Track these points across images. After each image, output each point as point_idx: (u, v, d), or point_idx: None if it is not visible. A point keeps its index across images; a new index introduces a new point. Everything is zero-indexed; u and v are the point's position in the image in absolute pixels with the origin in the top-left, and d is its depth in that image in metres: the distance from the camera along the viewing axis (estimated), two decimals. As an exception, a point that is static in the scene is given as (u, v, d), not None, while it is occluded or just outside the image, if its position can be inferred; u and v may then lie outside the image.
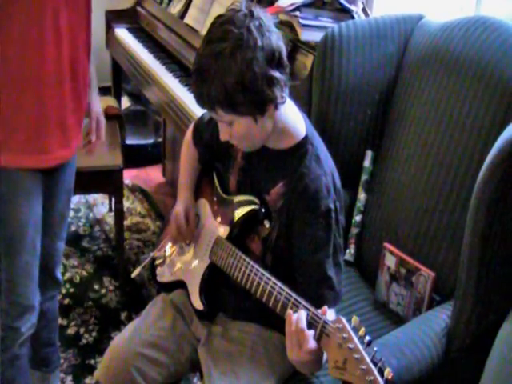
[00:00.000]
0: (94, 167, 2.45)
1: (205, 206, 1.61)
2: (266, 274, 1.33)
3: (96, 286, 2.70)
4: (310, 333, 1.18)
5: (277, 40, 1.28)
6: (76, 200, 3.28)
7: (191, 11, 2.78)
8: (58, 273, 1.94)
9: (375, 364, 1.07)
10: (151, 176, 3.72)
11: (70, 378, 2.22)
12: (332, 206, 1.36)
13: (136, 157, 3.64)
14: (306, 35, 2.05)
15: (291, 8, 2.11)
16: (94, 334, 2.43)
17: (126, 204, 3.27)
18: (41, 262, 1.76)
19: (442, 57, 1.68)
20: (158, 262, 1.72)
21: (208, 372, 1.47)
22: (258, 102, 1.27)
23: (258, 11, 1.29)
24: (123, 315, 2.54)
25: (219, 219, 1.53)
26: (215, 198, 1.58)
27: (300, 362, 1.21)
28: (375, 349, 1.09)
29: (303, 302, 1.24)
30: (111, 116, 2.83)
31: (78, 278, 2.74)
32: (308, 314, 1.20)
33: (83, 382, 2.22)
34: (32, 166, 1.60)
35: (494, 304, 1.39)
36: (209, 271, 1.51)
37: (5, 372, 1.79)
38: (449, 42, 1.67)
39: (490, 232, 1.31)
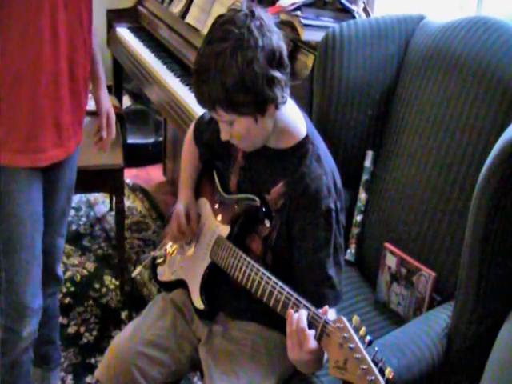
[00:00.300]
0: (94, 166, 2.45)
1: (205, 205, 1.61)
2: (267, 273, 1.33)
3: (96, 285, 2.70)
4: (311, 332, 1.18)
5: (277, 40, 1.28)
6: (77, 199, 3.28)
7: (192, 10, 2.79)
8: (59, 270, 1.94)
9: (376, 364, 1.07)
10: (152, 175, 3.72)
11: (70, 376, 2.22)
12: (333, 205, 1.36)
13: (137, 156, 3.64)
14: (306, 35, 2.06)
15: (292, 8, 2.11)
16: (94, 333, 2.43)
17: (127, 203, 3.28)
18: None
19: (443, 57, 1.68)
20: (158, 261, 1.73)
21: (208, 371, 1.47)
22: (259, 102, 1.27)
23: (259, 11, 1.29)
24: (124, 314, 2.54)
25: (220, 218, 1.53)
26: (216, 198, 1.58)
27: (300, 361, 1.21)
28: (376, 349, 1.09)
29: (304, 301, 1.24)
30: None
31: (78, 276, 2.75)
32: (308, 314, 1.20)
33: (84, 380, 2.22)
34: (26, 165, 1.60)
35: (495, 304, 1.39)
36: (209, 271, 1.51)
37: (4, 376, 1.80)
38: (450, 43, 1.67)
39: (491, 232, 1.31)
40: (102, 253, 2.93)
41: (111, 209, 3.22)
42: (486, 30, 1.62)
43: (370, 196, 1.87)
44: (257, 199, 1.43)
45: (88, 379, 2.22)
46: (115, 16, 3.41)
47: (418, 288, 1.63)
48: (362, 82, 1.83)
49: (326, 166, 1.39)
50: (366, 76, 1.83)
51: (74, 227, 3.09)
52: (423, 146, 1.70)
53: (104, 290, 2.68)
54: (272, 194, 1.41)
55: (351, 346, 1.10)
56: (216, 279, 1.52)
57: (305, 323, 1.18)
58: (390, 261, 1.70)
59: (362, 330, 1.11)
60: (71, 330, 2.44)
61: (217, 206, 1.57)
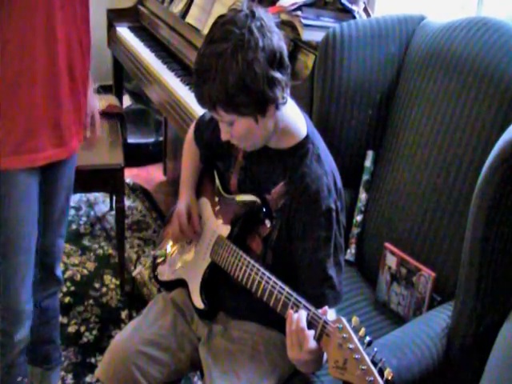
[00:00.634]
0: (95, 166, 2.45)
1: (206, 205, 1.61)
2: (267, 273, 1.33)
3: (97, 285, 2.71)
4: (311, 333, 1.18)
5: (278, 40, 1.28)
6: (77, 198, 3.29)
7: (193, 10, 2.79)
8: (59, 270, 1.94)
9: (375, 364, 1.07)
10: (152, 175, 3.72)
11: (70, 376, 2.22)
12: (333, 205, 1.36)
13: (137, 155, 3.65)
14: (307, 35, 2.05)
15: (293, 8, 2.11)
16: (94, 332, 2.43)
17: (127, 203, 3.28)
18: (41, 260, 1.76)
19: (444, 57, 1.68)
20: (158, 260, 1.73)
21: (208, 371, 1.47)
22: (259, 103, 1.28)
23: (260, 11, 1.29)
24: (124, 314, 2.55)
25: (220, 218, 1.53)
26: (216, 197, 1.58)
27: (300, 361, 1.21)
28: (375, 349, 1.09)
29: (304, 301, 1.24)
30: (112, 114, 2.84)
31: (78, 276, 2.75)
32: (308, 314, 1.20)
33: (84, 380, 2.22)
34: (23, 166, 1.58)
35: (495, 304, 1.39)
36: (210, 270, 1.52)
37: (4, 377, 1.80)
38: (450, 43, 1.67)
39: (491, 232, 1.31)
40: (102, 252, 2.93)
41: (111, 208, 3.23)
42: (486, 30, 1.62)
43: (371, 196, 1.87)
44: (257, 199, 1.43)
45: (88, 378, 2.22)
46: (115, 16, 3.41)
47: (418, 288, 1.63)
48: (363, 82, 1.83)
49: (327, 166, 1.39)
50: (366, 76, 1.83)
51: (74, 227, 3.09)
52: (423, 145, 1.70)
53: (104, 289, 2.68)
54: (272, 194, 1.42)
55: (351, 346, 1.10)
56: (216, 279, 1.52)
57: (304, 323, 1.19)
58: (390, 261, 1.70)
59: (362, 331, 1.11)
60: (71, 329, 2.44)
61: (217, 206, 1.57)
